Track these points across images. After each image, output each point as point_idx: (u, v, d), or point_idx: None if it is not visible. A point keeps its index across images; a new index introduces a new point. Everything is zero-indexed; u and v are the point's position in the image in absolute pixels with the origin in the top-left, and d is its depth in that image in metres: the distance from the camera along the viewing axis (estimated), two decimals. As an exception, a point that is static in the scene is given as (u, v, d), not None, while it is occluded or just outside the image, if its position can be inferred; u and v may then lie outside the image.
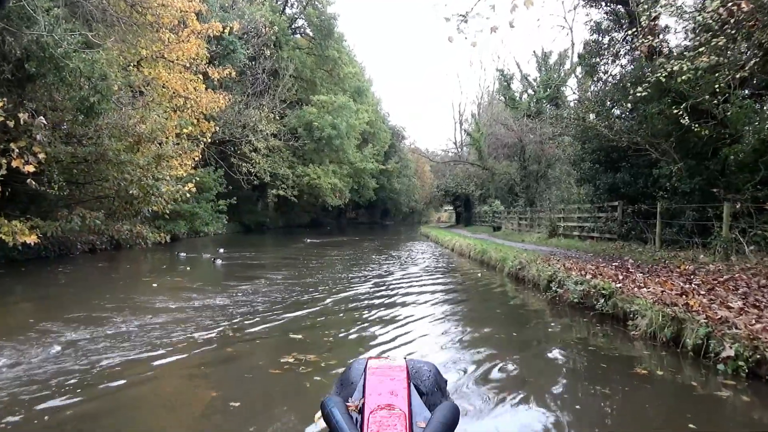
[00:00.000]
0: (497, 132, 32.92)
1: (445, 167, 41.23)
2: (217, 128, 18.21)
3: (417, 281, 9.61)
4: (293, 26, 32.34)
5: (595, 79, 12.98)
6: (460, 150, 44.17)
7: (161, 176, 11.82)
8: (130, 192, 10.91)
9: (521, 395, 3.51)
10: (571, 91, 27.55)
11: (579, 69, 28.35)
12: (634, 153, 13.07)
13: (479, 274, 10.93)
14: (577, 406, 3.45)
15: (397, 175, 53.08)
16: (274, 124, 23.64)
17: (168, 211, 15.66)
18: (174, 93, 15.78)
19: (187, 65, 16.43)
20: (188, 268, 11.18)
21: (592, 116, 14.26)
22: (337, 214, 57.62)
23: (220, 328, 5.37)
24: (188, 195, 15.12)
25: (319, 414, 1.49)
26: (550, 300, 7.27)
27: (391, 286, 8.80)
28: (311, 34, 33.10)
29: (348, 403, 1.53)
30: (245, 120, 22.65)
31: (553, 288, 7.58)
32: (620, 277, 6.97)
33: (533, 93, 31.70)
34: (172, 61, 15.90)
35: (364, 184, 42.35)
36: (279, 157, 28.20)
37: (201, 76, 16.93)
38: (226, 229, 28.36)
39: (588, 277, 7.24)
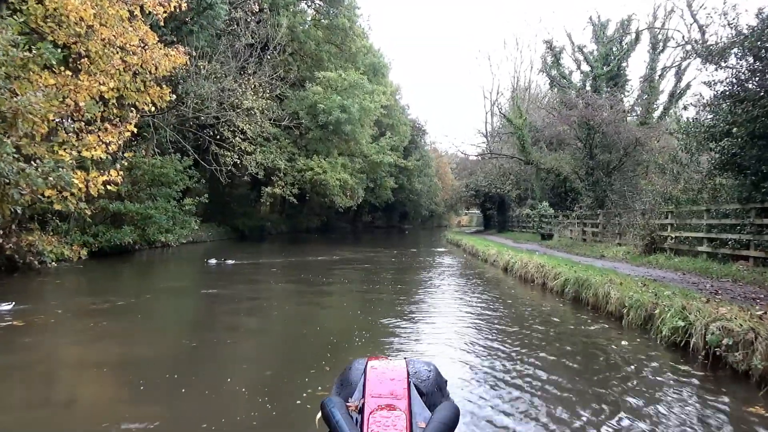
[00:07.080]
0: (537, 120, 27.30)
1: (475, 164, 35.42)
2: (173, 97, 12.94)
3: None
4: (296, -9, 27.05)
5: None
6: (491, 143, 38.32)
7: (12, 152, 6.52)
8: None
9: None
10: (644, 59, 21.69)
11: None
12: None
13: (623, 342, 5.30)
14: None
15: (417, 174, 47.30)
16: (263, 101, 18.19)
17: (88, 213, 10.60)
18: (98, 36, 10.55)
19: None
20: None
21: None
22: (352, 217, 52.47)
23: None
24: (108, 188, 9.95)
25: (319, 414, 1.43)
26: None
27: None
28: (318, 1, 27.74)
29: (348, 403, 1.47)
30: (226, 95, 17.33)
31: None
32: None
33: (589, 69, 25.91)
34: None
35: (381, 182, 36.64)
36: (276, 146, 22.78)
37: (142, 19, 11.69)
38: (211, 235, 23.12)
39: None
